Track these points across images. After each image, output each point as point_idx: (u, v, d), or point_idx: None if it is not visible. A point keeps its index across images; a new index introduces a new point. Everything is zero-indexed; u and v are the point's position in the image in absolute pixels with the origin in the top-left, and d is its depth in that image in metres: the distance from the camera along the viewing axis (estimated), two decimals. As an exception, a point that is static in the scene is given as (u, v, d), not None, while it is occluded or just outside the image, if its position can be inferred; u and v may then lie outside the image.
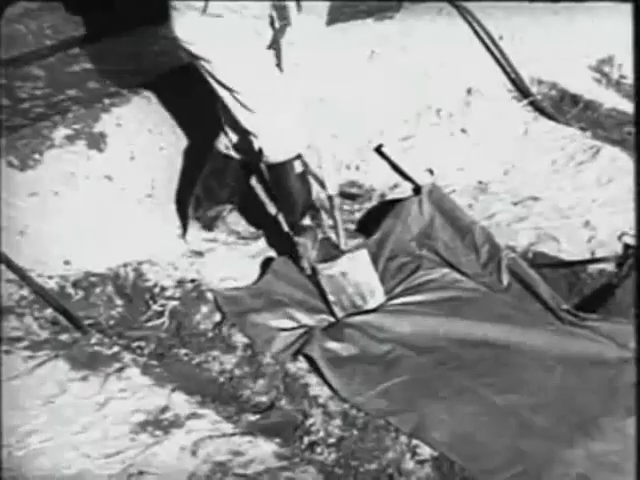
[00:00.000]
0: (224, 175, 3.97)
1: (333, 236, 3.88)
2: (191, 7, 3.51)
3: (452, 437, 3.27)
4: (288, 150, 3.75)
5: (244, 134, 3.78)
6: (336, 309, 3.78)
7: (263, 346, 3.61)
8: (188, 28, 3.56)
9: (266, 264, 3.97)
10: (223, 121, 3.86)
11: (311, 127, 3.79)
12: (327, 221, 3.92)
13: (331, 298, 3.77)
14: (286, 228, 3.94)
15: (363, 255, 3.83)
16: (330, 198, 3.84)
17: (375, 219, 4.20)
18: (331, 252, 3.82)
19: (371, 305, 3.79)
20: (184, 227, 4.08)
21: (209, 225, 4.04)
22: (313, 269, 3.82)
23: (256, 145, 3.73)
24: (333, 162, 3.86)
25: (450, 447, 3.24)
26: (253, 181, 4.22)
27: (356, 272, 3.78)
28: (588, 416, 3.31)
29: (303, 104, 3.75)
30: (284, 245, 3.99)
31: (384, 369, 3.52)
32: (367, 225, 4.24)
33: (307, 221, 3.85)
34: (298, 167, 3.77)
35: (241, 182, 4.05)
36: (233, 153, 3.91)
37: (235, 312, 3.74)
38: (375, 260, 3.91)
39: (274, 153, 3.73)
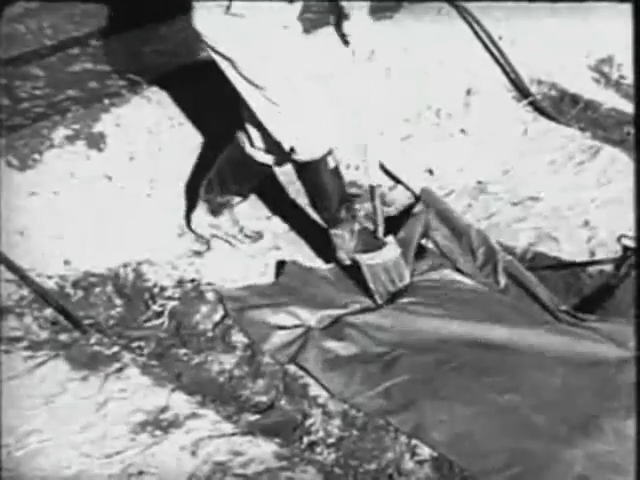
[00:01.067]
0: (239, 169, 3.94)
1: (370, 225, 3.96)
2: (214, 6, 3.53)
3: (452, 437, 3.27)
4: (321, 147, 3.74)
5: (270, 139, 3.76)
6: (377, 297, 3.83)
7: (258, 342, 3.61)
8: (211, 26, 3.58)
9: (279, 267, 3.98)
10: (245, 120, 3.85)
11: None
12: (361, 211, 4.05)
13: (372, 287, 3.82)
14: (322, 223, 3.98)
15: (394, 244, 3.89)
16: (372, 188, 3.89)
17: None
18: (369, 241, 3.87)
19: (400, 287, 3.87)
20: (189, 210, 4.06)
21: (217, 210, 4.04)
22: (353, 260, 3.87)
23: (286, 146, 3.72)
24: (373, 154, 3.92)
25: (450, 447, 3.24)
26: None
27: (386, 259, 3.85)
28: (588, 416, 3.31)
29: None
30: (314, 237, 4.10)
31: (384, 369, 3.52)
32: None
33: (343, 214, 3.88)
34: (331, 162, 3.79)
35: (254, 180, 4.04)
36: (254, 154, 3.88)
37: (236, 308, 3.74)
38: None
39: (307, 151, 3.72)
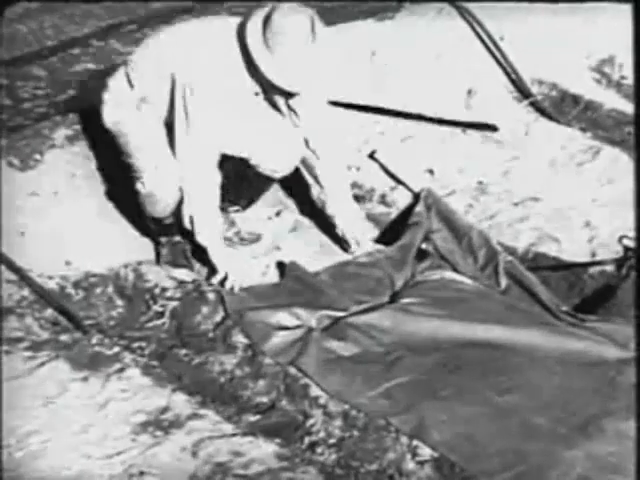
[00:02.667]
0: (240, 181, 3.97)
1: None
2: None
3: (452, 438, 3.27)
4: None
5: None
6: None
7: (259, 342, 3.61)
8: None
9: (281, 269, 3.97)
10: None
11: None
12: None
13: None
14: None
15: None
16: None
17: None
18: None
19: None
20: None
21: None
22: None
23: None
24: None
25: (450, 448, 3.24)
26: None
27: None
28: (588, 417, 3.31)
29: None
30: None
31: (385, 370, 3.52)
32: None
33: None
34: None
35: (253, 193, 4.09)
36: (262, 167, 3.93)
37: (237, 309, 3.74)
38: (402, 264, 3.96)
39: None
